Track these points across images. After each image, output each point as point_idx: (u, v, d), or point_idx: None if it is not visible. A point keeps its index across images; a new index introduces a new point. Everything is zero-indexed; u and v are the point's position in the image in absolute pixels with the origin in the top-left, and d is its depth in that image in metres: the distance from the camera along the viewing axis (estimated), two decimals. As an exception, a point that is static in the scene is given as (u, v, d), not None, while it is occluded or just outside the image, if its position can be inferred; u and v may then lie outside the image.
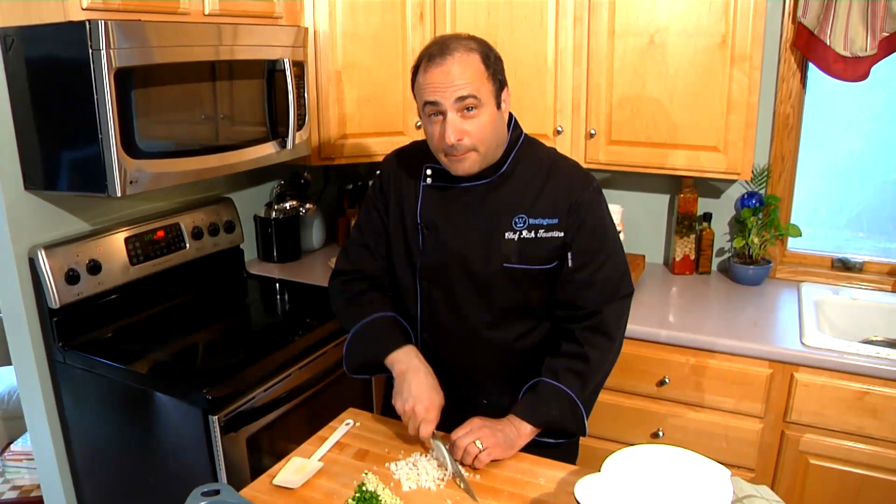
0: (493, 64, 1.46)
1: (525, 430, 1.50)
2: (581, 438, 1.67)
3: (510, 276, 1.54)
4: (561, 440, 1.58)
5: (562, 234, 1.52)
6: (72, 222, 2.15)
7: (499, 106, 1.48)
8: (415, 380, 1.51)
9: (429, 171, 1.59)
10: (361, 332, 1.62)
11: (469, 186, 1.55)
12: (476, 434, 1.45)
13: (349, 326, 1.65)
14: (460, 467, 1.43)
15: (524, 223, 1.52)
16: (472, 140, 1.44)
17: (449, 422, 1.52)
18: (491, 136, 1.47)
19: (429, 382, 1.52)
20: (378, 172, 1.69)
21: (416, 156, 1.63)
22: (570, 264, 1.53)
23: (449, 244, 1.56)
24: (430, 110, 1.44)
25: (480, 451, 1.43)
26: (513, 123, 1.57)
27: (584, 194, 1.53)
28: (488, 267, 1.54)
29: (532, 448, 1.52)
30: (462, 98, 1.41)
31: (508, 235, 1.52)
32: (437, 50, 1.42)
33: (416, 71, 1.47)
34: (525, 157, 1.56)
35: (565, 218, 1.52)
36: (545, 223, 1.52)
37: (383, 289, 1.71)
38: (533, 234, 1.52)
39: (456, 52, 1.41)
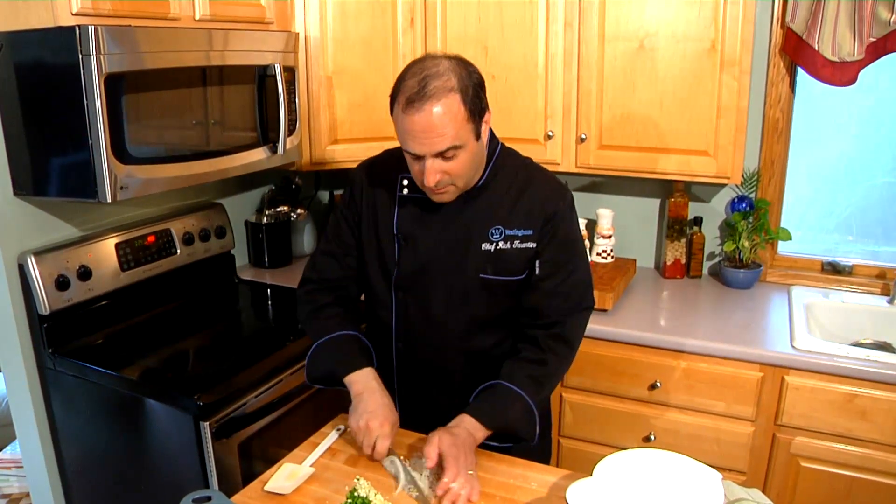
0: (471, 100, 1.40)
1: (479, 434, 1.48)
2: (573, 442, 1.67)
3: (486, 286, 1.55)
4: (506, 444, 1.55)
5: (535, 245, 1.53)
6: (62, 228, 2.14)
7: (478, 137, 1.45)
8: (371, 399, 1.51)
9: (405, 182, 1.58)
10: (322, 349, 1.62)
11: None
12: (464, 486, 1.36)
13: (312, 339, 1.65)
14: (418, 483, 1.40)
15: (500, 234, 1.53)
16: (451, 178, 1.44)
17: (424, 430, 1.53)
18: (471, 170, 1.47)
19: (384, 402, 1.52)
20: (349, 181, 1.68)
21: (389, 165, 1.62)
22: (537, 272, 1.54)
23: (425, 255, 1.56)
24: (410, 155, 1.44)
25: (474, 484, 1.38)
26: (489, 135, 1.54)
27: (558, 206, 1.54)
28: (464, 277, 1.54)
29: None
30: (441, 152, 1.39)
31: (485, 247, 1.53)
32: (415, 92, 1.36)
33: (393, 101, 1.42)
34: (502, 167, 1.57)
35: (539, 229, 1.53)
36: (520, 234, 1.53)
37: (348, 301, 1.70)
38: (509, 245, 1.53)
39: (434, 97, 1.35)
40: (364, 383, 1.55)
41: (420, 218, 1.57)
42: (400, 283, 1.59)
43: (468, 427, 1.48)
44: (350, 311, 1.69)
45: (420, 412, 1.57)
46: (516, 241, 1.53)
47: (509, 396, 1.51)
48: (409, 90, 1.37)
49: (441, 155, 1.40)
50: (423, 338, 1.62)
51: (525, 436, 1.54)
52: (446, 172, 1.42)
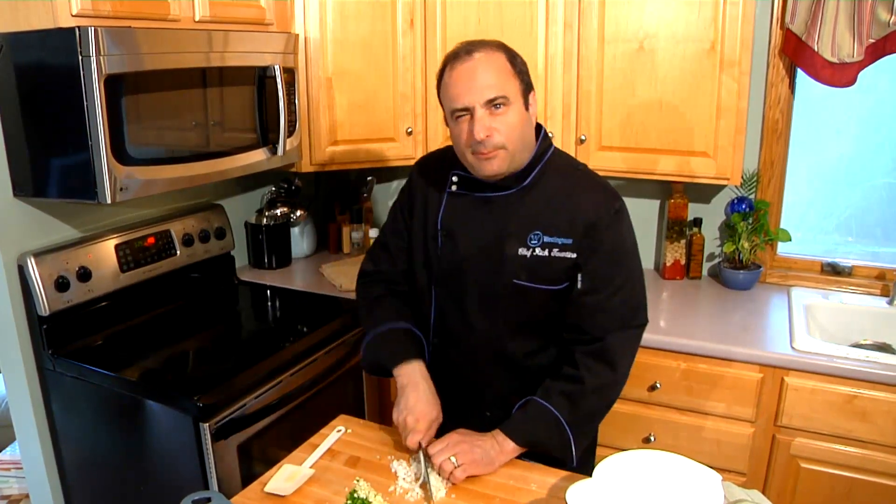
0: (518, 64, 1.47)
1: (508, 447, 1.48)
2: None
3: (519, 292, 1.52)
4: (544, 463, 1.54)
5: (574, 256, 1.48)
6: (61, 229, 2.14)
7: (526, 107, 1.48)
8: (413, 394, 1.53)
9: (455, 178, 1.58)
10: (375, 340, 1.65)
11: (492, 196, 1.53)
12: (452, 449, 1.43)
13: (366, 330, 1.68)
14: (433, 487, 1.41)
15: (539, 240, 1.49)
16: (500, 137, 1.43)
17: (452, 430, 1.52)
18: (519, 135, 1.45)
19: (425, 397, 1.53)
20: (409, 175, 1.70)
21: (444, 161, 1.63)
22: (579, 286, 1.49)
23: (463, 252, 1.55)
24: (459, 114, 1.44)
25: (455, 467, 1.41)
26: (542, 134, 1.55)
27: (602, 216, 1.48)
28: (498, 281, 1.52)
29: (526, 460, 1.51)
30: (491, 101, 1.41)
31: (521, 251, 1.50)
32: (462, 49, 1.45)
33: (441, 74, 1.48)
34: (551, 170, 1.53)
35: (580, 239, 1.48)
36: (560, 242, 1.48)
37: (400, 294, 1.71)
38: (546, 253, 1.49)
39: (480, 50, 1.43)
40: (409, 376, 1.57)
41: (464, 214, 1.56)
42: (439, 279, 1.60)
43: (498, 440, 1.48)
44: (404, 302, 1.71)
45: (449, 411, 1.57)
46: (555, 250, 1.48)
47: (539, 412, 1.49)
48: (455, 52, 1.45)
49: (490, 105, 1.41)
50: (457, 337, 1.62)
51: (557, 454, 1.50)
52: (495, 130, 1.42)
